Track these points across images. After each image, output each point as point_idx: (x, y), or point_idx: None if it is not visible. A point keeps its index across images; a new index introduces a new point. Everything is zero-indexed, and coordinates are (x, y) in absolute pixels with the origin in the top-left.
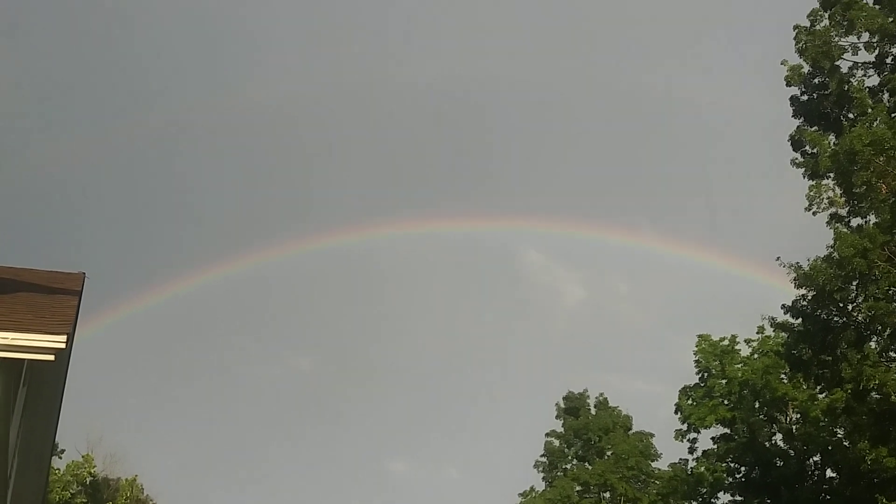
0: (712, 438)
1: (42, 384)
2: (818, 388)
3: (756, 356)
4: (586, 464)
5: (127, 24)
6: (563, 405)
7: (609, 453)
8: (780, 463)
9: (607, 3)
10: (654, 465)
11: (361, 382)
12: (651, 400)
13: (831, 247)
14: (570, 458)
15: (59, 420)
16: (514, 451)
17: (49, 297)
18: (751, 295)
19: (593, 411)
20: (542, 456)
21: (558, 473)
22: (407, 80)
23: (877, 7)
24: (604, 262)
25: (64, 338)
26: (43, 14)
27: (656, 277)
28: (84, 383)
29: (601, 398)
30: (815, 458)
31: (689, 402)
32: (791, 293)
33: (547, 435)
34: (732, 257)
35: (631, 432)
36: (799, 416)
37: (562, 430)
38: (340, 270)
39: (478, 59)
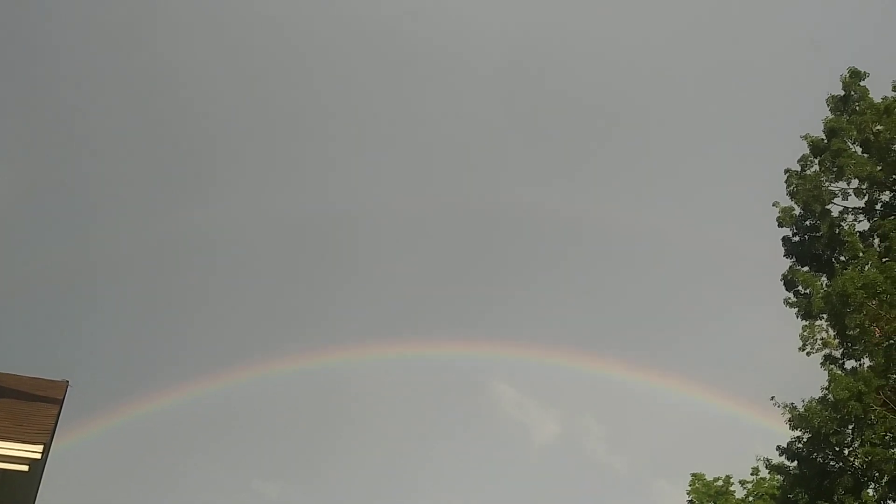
0: None
1: (13, 494)
2: None
3: (751, 498)
4: None
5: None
6: None
7: None
8: None
9: (591, 132)
10: None
11: None
12: None
13: (826, 388)
14: None
15: None
16: None
17: (29, 404)
18: (737, 434)
19: None
20: None
21: None
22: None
23: (865, 155)
24: (578, 396)
25: (40, 448)
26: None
27: (635, 414)
28: (57, 493)
29: None
30: None
31: None
32: (782, 434)
33: None
34: (719, 395)
35: None
36: None
37: None
38: (305, 394)
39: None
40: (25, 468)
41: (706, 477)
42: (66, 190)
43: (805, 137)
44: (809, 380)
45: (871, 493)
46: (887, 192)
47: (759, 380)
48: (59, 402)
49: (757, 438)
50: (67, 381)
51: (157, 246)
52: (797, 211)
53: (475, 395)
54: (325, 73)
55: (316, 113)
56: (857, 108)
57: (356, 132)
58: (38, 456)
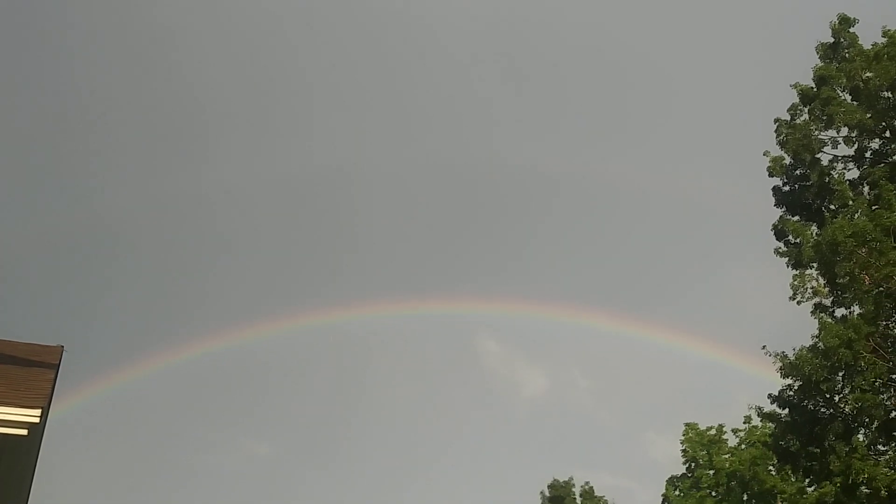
0: None
1: (14, 459)
2: (807, 480)
3: (743, 446)
4: None
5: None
6: (547, 494)
7: None
8: None
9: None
10: None
11: (320, 468)
12: (618, 493)
13: (816, 336)
14: None
15: (30, 496)
16: None
17: (25, 370)
18: (726, 384)
19: (578, 501)
20: None
21: None
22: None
23: (854, 103)
24: (565, 350)
25: (38, 412)
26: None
27: (622, 367)
28: (57, 458)
29: (587, 487)
30: None
31: (677, 492)
32: (772, 382)
33: None
34: (708, 346)
35: None
36: None
37: None
38: (294, 354)
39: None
40: (25, 432)
41: (699, 426)
42: (60, 153)
43: (795, 86)
44: (799, 329)
45: (861, 439)
46: (877, 140)
47: (748, 330)
48: (55, 367)
49: (745, 388)
50: (62, 346)
51: (154, 210)
52: (787, 160)
53: (461, 352)
54: (309, 36)
55: (306, 78)
56: (847, 55)
57: (345, 93)
58: (37, 420)
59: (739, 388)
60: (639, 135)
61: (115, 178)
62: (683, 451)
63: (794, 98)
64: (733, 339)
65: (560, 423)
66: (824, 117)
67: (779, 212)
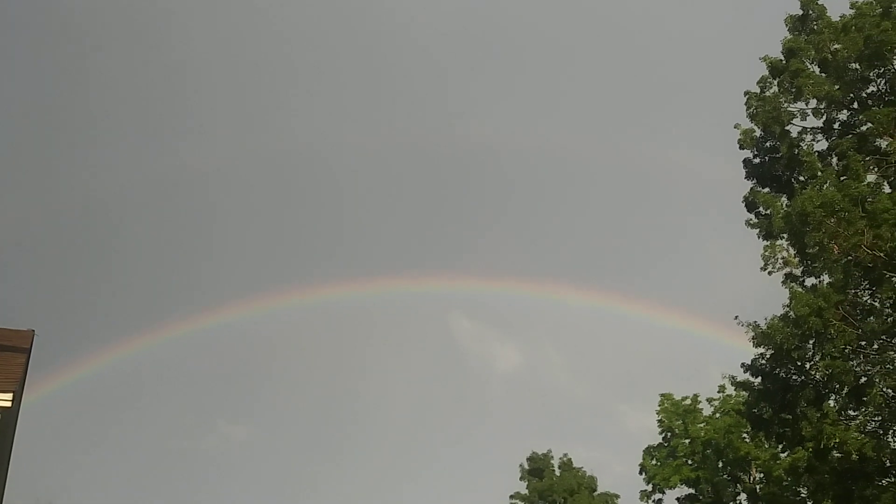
0: (677, 499)
1: None
2: (780, 447)
3: (718, 415)
4: None
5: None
6: (526, 466)
7: None
8: None
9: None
10: None
11: (299, 449)
12: (593, 465)
13: (787, 306)
14: None
15: (6, 480)
16: None
17: None
18: (698, 355)
19: (557, 472)
20: None
21: None
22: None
23: (823, 75)
24: (538, 325)
25: (10, 396)
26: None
27: (595, 340)
28: (34, 443)
29: (565, 459)
30: None
31: (654, 462)
32: (744, 352)
33: (511, 497)
34: (680, 317)
35: (596, 493)
36: (762, 475)
37: (526, 491)
38: (267, 336)
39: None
40: None
41: (674, 396)
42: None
43: (764, 59)
44: (770, 299)
45: (832, 405)
46: (845, 111)
47: (719, 301)
48: (27, 351)
49: (717, 358)
50: (34, 331)
51: (136, 190)
52: (757, 133)
53: (433, 330)
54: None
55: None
56: (815, 27)
57: (324, 74)
58: (9, 404)
59: (711, 358)
60: (606, 108)
61: (95, 156)
62: (659, 421)
63: (764, 71)
64: (704, 310)
65: (534, 397)
66: (793, 89)
67: (749, 184)
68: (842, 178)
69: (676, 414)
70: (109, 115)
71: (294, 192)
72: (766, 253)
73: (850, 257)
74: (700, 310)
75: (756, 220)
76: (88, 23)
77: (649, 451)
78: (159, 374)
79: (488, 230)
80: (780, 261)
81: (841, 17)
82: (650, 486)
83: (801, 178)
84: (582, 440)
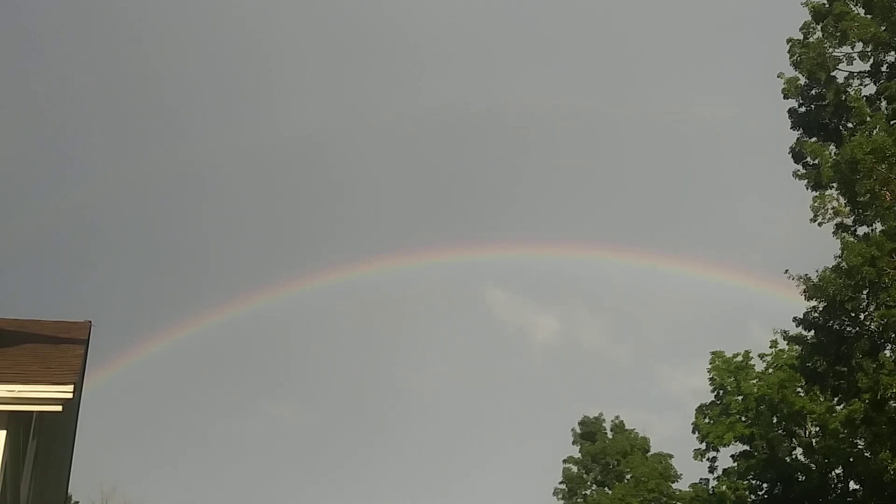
0: (732, 456)
1: (52, 436)
2: (835, 399)
3: (771, 371)
4: (606, 489)
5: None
6: (578, 430)
7: (628, 477)
8: (801, 478)
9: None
10: (674, 486)
11: (344, 426)
12: (637, 427)
13: (839, 257)
14: (589, 483)
15: (70, 471)
16: (509, 485)
17: (55, 347)
18: (733, 312)
19: (610, 435)
20: (560, 483)
21: (578, 500)
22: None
23: (868, 16)
24: (574, 289)
25: (70, 388)
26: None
27: (634, 301)
28: (95, 433)
29: (617, 421)
30: (836, 471)
31: (706, 420)
32: (789, 307)
33: (564, 461)
34: (723, 273)
35: (649, 454)
36: (818, 428)
37: (579, 455)
38: (306, 314)
39: (438, 83)
40: (59, 408)
41: (725, 353)
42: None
43: (806, 4)
44: (810, 253)
45: (888, 354)
46: (892, 53)
47: (760, 256)
48: (85, 342)
49: (756, 315)
50: (90, 322)
51: (163, 179)
52: (802, 81)
53: (467, 304)
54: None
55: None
56: None
57: (331, 53)
58: (70, 396)
59: (752, 315)
60: (639, 62)
61: (126, 147)
62: (711, 378)
63: (807, 16)
64: (744, 266)
65: (574, 363)
66: (838, 34)
67: (795, 134)
68: (892, 123)
69: (728, 371)
70: (166, 96)
71: (320, 171)
72: (816, 204)
73: None
74: (740, 266)
75: (804, 171)
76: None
77: (701, 410)
78: (206, 357)
79: (519, 195)
80: (831, 211)
81: None
82: (703, 444)
83: (850, 125)
84: (625, 404)
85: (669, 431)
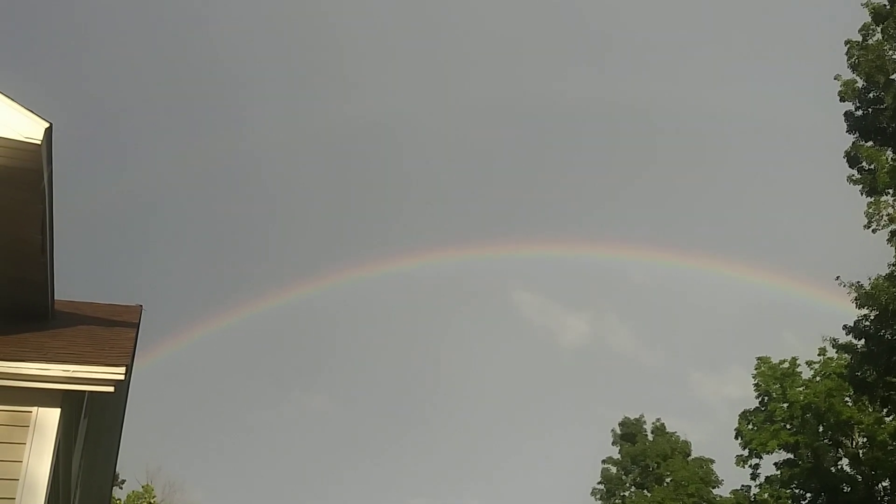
0: (775, 464)
1: (102, 416)
2: (885, 410)
3: (818, 378)
4: (645, 491)
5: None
6: (618, 431)
7: (668, 480)
8: (847, 489)
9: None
10: (715, 492)
11: (376, 420)
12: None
13: (893, 265)
14: (627, 485)
15: (119, 451)
16: (536, 485)
17: (108, 329)
18: (769, 318)
19: (650, 437)
20: (599, 483)
21: (616, 501)
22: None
23: None
24: (603, 291)
25: (123, 370)
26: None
27: (660, 305)
28: (142, 414)
29: (658, 423)
30: (883, 483)
31: (750, 426)
32: (816, 316)
33: (603, 462)
34: (765, 276)
35: (690, 458)
36: (865, 439)
37: (618, 456)
38: (335, 309)
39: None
40: (111, 389)
41: (771, 359)
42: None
43: (866, 5)
44: (855, 260)
45: None
46: None
47: (803, 262)
48: (136, 326)
49: (793, 322)
50: (141, 306)
51: (210, 172)
52: (860, 83)
53: (495, 307)
54: None
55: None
56: None
57: (379, 44)
58: (122, 377)
59: (785, 323)
60: (685, 60)
61: (184, 136)
62: (756, 384)
63: (866, 17)
64: (785, 271)
65: (603, 368)
66: None
67: (851, 138)
68: None
69: (774, 378)
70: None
71: (357, 166)
72: (871, 209)
73: None
74: (781, 270)
75: (858, 176)
76: None
77: (745, 416)
78: (247, 345)
79: (551, 193)
80: (886, 217)
81: None
82: (746, 450)
83: None
84: (656, 410)
85: (702, 437)
